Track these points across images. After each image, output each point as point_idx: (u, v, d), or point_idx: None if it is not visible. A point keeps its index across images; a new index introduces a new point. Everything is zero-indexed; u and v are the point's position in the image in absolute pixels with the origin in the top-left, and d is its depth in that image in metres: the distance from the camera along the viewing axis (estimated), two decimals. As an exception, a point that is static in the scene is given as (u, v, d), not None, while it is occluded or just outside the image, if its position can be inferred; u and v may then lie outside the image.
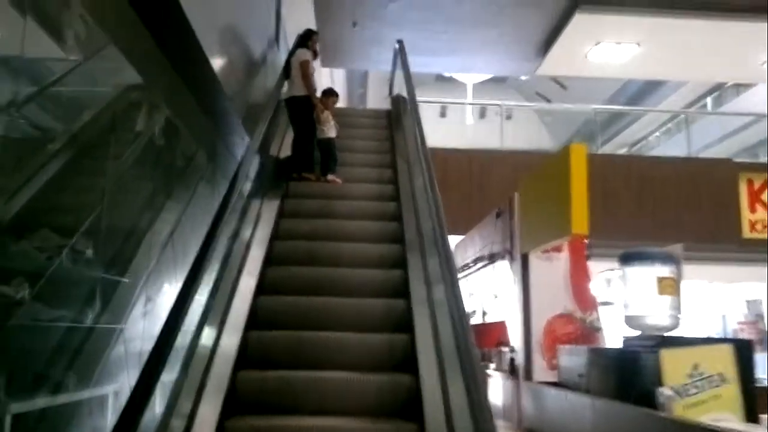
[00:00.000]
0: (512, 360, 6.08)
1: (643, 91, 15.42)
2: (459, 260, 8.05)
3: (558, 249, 5.91)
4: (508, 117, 14.91)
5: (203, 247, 3.42)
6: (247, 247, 4.60)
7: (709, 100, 14.48)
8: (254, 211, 5.19)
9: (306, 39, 7.10)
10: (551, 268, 5.92)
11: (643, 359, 4.50)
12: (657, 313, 4.63)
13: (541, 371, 5.84)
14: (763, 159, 12.66)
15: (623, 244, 7.79)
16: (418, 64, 10.73)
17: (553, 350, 5.82)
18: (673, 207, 9.60)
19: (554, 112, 16.83)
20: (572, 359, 5.16)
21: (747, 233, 9.61)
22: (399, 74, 9.80)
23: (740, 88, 14.06)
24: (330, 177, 6.24)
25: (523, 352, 5.79)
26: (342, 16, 10.19)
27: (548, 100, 16.41)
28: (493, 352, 7.03)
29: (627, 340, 4.87)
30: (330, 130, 6.55)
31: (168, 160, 6.72)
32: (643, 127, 15.29)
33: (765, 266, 8.71)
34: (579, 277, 5.96)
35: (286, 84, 6.91)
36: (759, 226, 9.68)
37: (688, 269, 10.29)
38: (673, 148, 13.01)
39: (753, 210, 9.69)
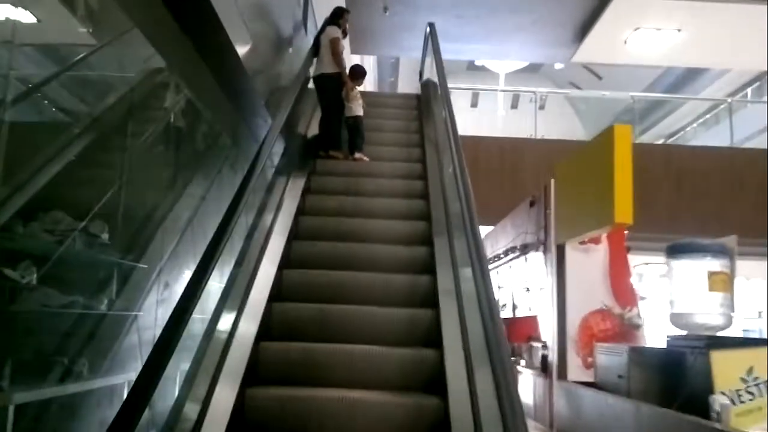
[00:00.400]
0: (545, 357, 5.61)
1: (680, 82, 14.69)
2: (489, 251, 7.56)
3: (596, 240, 5.41)
4: (541, 107, 14.29)
5: (222, 223, 3.06)
6: (272, 222, 4.36)
7: (749, 91, 13.72)
8: (280, 188, 4.91)
9: (337, 17, 6.78)
10: (588, 261, 5.42)
11: (691, 361, 4.01)
12: (707, 311, 4.13)
13: (575, 369, 5.36)
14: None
15: (660, 237, 7.27)
16: (449, 50, 10.25)
17: (589, 348, 5.34)
18: (715, 199, 9.01)
19: (588, 103, 16.14)
20: (611, 358, 4.67)
21: (788, 228, 8.94)
22: (429, 61, 9.39)
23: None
24: (357, 155, 6.04)
25: (557, 349, 5.31)
26: (373, 0, 9.75)
27: (579, 87, 15.75)
28: (523, 347, 6.56)
29: (672, 339, 4.37)
30: (358, 108, 6.30)
31: (188, 143, 6.37)
32: (679, 119, 14.57)
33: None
34: (618, 271, 5.45)
35: (314, 62, 6.62)
36: (802, 221, 9.01)
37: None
38: (711, 140, 12.34)
39: (795, 203, 9.03)
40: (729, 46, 9.95)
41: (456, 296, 3.58)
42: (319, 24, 7.72)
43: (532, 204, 5.97)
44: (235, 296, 3.34)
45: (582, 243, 5.39)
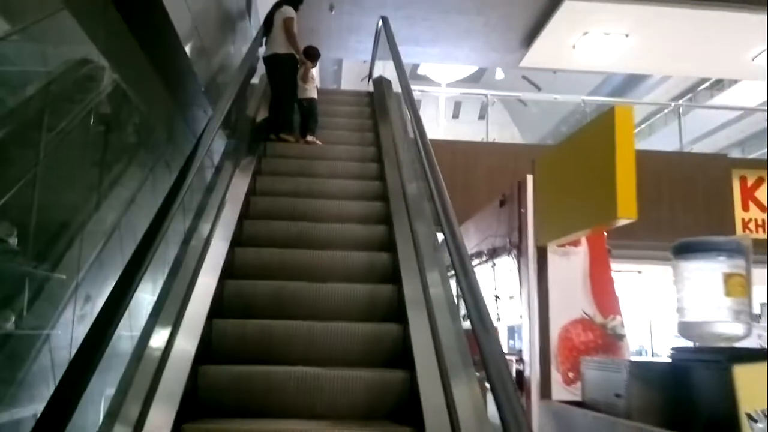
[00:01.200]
0: (519, 372, 4.83)
1: (618, 92, 14.36)
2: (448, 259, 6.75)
3: (575, 243, 4.68)
4: (481, 117, 13.83)
5: (155, 219, 2.63)
6: (221, 203, 4.01)
7: (681, 101, 13.48)
8: (227, 172, 4.44)
9: (296, 1, 6.11)
10: (567, 265, 4.66)
11: (708, 377, 3.30)
12: (724, 319, 3.42)
13: (553, 386, 4.60)
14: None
15: (612, 243, 6.67)
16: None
17: (570, 362, 4.59)
18: (666, 204, 8.50)
19: (526, 113, 15.66)
20: (605, 375, 3.91)
21: (739, 233, 8.53)
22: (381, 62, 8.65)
23: (714, 90, 13.16)
24: (310, 138, 5.63)
25: (539, 364, 4.52)
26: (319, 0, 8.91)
27: (522, 102, 15.27)
28: (485, 359, 5.75)
29: (678, 352, 3.66)
30: (312, 90, 5.87)
31: (116, 136, 5.34)
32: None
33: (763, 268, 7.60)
34: (600, 276, 4.71)
35: (263, 43, 6.06)
36: (752, 225, 8.62)
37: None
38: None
39: (746, 208, 8.63)
40: (675, 53, 9.53)
41: (418, 266, 3.46)
42: (261, 13, 6.96)
43: (502, 204, 5.21)
44: (184, 275, 3.06)
45: (560, 245, 4.65)
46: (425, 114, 14.74)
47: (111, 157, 5.16)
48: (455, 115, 14.63)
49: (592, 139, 3.80)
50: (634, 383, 3.65)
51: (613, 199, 3.45)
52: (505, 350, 5.15)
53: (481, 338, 2.50)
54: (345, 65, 12.80)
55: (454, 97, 14.03)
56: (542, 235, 4.50)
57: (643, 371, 3.66)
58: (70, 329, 4.35)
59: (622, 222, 3.53)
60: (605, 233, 4.84)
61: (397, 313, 3.31)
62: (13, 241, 4.03)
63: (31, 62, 4.64)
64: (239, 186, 4.26)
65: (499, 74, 14.37)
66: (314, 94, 5.91)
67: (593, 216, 3.75)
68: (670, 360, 3.70)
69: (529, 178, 4.68)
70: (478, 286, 2.82)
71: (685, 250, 3.54)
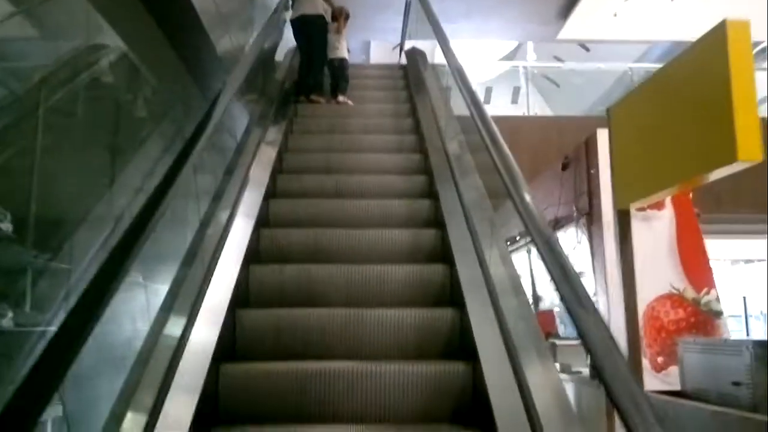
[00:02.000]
0: (597, 359, 4.00)
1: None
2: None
3: (659, 206, 3.84)
4: (513, 102, 12.97)
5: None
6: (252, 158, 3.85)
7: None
8: (257, 132, 4.21)
9: None
10: (650, 232, 3.82)
11: None
12: None
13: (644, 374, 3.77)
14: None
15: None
16: (428, 31, 8.79)
17: (660, 344, 3.76)
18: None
19: (559, 95, 14.64)
20: (715, 358, 3.08)
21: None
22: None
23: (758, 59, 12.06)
24: (341, 98, 5.31)
25: (627, 348, 3.68)
26: (343, -23, 8.17)
27: (554, 83, 14.29)
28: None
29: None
30: (344, 50, 5.60)
31: (124, 109, 4.66)
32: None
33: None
34: (689, 243, 3.87)
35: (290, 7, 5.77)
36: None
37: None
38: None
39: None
40: (726, 16, 8.55)
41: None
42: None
43: (565, 167, 4.39)
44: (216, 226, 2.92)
45: (640, 209, 3.82)
46: (455, 101, 13.98)
47: (124, 135, 4.50)
48: (486, 101, 13.73)
49: (693, 67, 2.97)
50: (761, 368, 2.82)
51: (730, 136, 2.63)
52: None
53: (580, 318, 1.72)
54: (373, 53, 12.06)
55: (484, 82, 13.14)
56: (623, 196, 3.66)
57: (773, 352, 2.83)
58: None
59: (743, 165, 2.70)
60: (691, 195, 4.00)
61: (442, 255, 3.15)
62: (6, 227, 3.40)
63: (37, 42, 4.02)
64: (270, 146, 4.12)
65: (531, 56, 13.47)
66: (345, 54, 5.65)
67: (699, 162, 2.91)
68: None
69: (601, 132, 3.85)
70: (563, 252, 2.07)
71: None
